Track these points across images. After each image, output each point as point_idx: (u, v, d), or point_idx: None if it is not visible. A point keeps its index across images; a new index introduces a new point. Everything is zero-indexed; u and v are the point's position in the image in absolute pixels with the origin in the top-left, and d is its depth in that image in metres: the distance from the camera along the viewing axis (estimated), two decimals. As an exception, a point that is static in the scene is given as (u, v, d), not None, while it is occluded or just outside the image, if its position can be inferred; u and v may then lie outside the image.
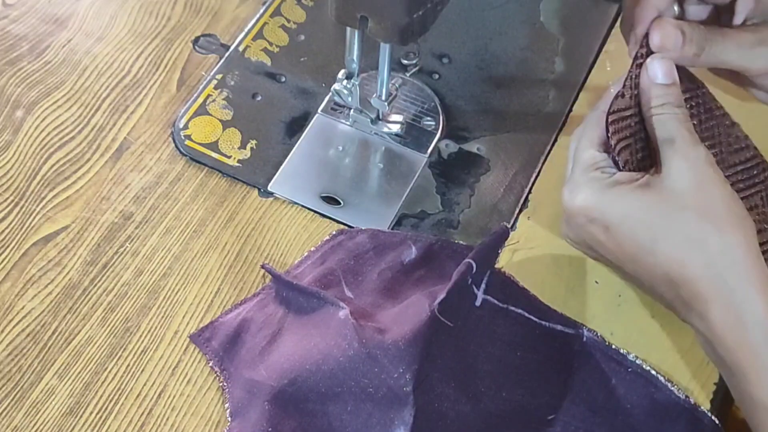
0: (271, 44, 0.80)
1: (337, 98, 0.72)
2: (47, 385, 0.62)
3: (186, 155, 0.73)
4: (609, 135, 0.57)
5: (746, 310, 0.51)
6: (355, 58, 0.67)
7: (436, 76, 0.78)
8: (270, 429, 0.58)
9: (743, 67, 0.59)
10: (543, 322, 0.63)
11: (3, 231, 0.69)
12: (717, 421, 0.60)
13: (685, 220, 0.53)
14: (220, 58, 0.79)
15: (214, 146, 0.73)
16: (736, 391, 0.54)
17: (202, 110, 0.75)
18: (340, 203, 0.71)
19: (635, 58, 0.59)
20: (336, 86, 0.71)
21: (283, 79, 0.78)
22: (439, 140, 0.74)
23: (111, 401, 0.62)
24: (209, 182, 0.72)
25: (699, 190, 0.53)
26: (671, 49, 0.57)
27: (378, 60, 0.68)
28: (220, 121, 0.75)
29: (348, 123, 0.75)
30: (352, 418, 0.58)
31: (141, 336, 0.64)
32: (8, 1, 0.82)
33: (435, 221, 0.70)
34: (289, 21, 0.81)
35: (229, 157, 0.73)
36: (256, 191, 0.71)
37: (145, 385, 0.62)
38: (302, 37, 0.80)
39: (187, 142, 0.73)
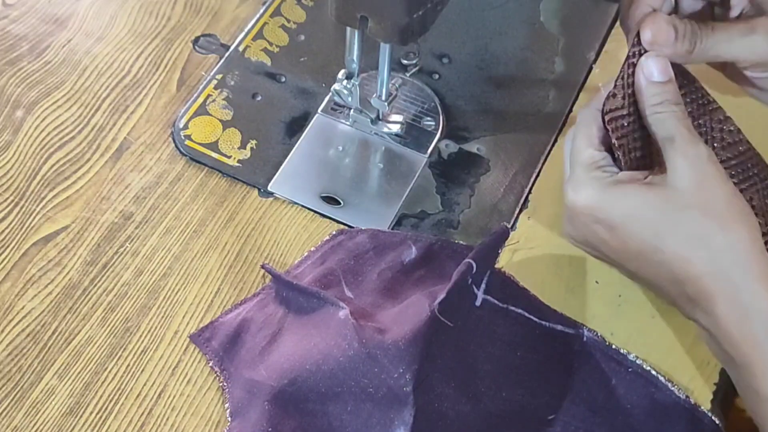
0: (271, 44, 0.80)
1: (337, 98, 0.72)
2: (47, 385, 0.62)
3: (186, 155, 0.73)
4: (610, 134, 0.57)
5: (751, 304, 0.51)
6: (355, 58, 0.67)
7: (436, 76, 0.78)
8: (270, 429, 0.58)
9: (735, 58, 0.59)
10: (543, 322, 0.63)
11: (3, 231, 0.69)
12: (717, 422, 0.60)
13: (689, 218, 0.53)
14: (220, 58, 0.79)
15: (214, 146, 0.73)
16: (741, 387, 0.54)
17: (202, 110, 0.75)
18: (340, 203, 0.71)
19: (627, 57, 0.59)
20: (336, 86, 0.71)
21: (283, 79, 0.78)
22: (439, 140, 0.74)
23: (111, 401, 0.62)
24: (209, 182, 0.72)
25: (701, 187, 0.53)
26: (663, 45, 0.57)
27: (378, 60, 0.68)
28: (220, 121, 0.75)
29: (348, 123, 0.75)
30: (352, 418, 0.58)
31: (141, 336, 0.64)
32: (8, 1, 0.82)
33: (435, 221, 0.70)
34: (289, 21, 0.81)
35: (229, 157, 0.73)
36: (256, 191, 0.71)
37: (145, 385, 0.62)
38: (302, 37, 0.80)
39: (187, 142, 0.73)
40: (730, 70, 0.62)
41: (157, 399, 0.62)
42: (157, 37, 0.80)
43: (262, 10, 0.82)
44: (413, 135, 0.74)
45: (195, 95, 0.76)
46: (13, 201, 0.70)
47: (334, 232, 0.68)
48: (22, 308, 0.65)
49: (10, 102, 0.75)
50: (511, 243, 0.67)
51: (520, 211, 0.70)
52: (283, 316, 0.63)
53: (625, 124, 0.58)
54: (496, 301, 0.63)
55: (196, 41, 0.80)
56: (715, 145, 0.61)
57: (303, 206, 0.70)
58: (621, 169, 0.57)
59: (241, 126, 0.74)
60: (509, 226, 0.65)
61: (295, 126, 0.75)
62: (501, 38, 0.81)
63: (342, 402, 0.58)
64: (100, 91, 0.76)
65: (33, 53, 0.78)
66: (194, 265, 0.67)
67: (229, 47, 0.79)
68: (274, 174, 0.72)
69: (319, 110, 0.76)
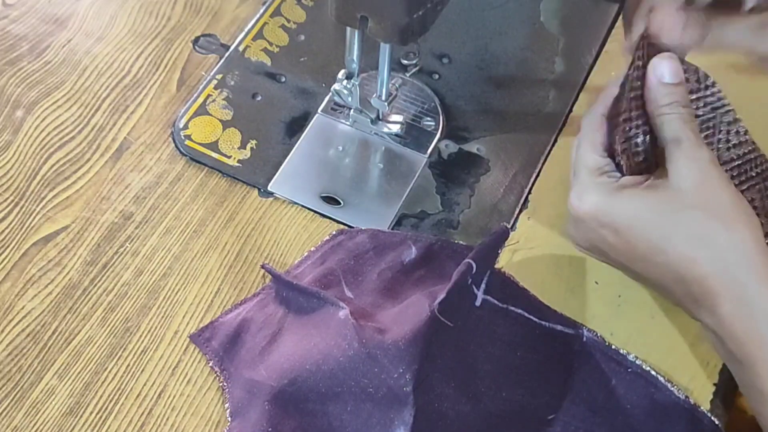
0: (271, 44, 0.80)
1: (337, 98, 0.72)
2: (47, 385, 0.62)
3: (186, 155, 0.73)
4: (615, 139, 0.57)
5: (756, 303, 0.52)
6: (355, 58, 0.67)
7: (436, 76, 0.78)
8: (270, 429, 0.58)
9: (750, 49, 0.59)
10: (543, 322, 0.63)
11: (3, 231, 0.69)
12: (717, 422, 0.60)
13: (693, 219, 0.53)
14: (220, 58, 0.79)
15: (214, 146, 0.73)
16: (745, 386, 0.54)
17: (202, 110, 0.75)
18: (340, 203, 0.71)
19: (633, 60, 0.59)
20: (336, 86, 0.71)
21: (283, 79, 0.78)
22: (439, 140, 0.74)
23: (111, 401, 0.62)
24: (209, 182, 0.72)
25: (705, 189, 0.54)
26: (672, 31, 0.57)
27: (378, 60, 0.68)
28: (220, 121, 0.75)
29: (348, 123, 0.75)
30: (352, 418, 0.58)
31: (141, 336, 0.64)
32: (8, 1, 0.82)
33: (435, 221, 0.70)
34: (289, 21, 0.81)
35: (229, 157, 0.73)
36: (256, 191, 0.71)
37: (145, 385, 0.62)
38: (302, 37, 0.80)
39: (187, 142, 0.73)
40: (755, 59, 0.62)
41: (157, 399, 0.62)
42: (157, 37, 0.80)
43: (262, 10, 0.82)
44: (413, 135, 0.74)
45: (195, 95, 0.76)
46: (13, 201, 0.70)
47: (334, 232, 0.68)
48: (22, 308, 0.65)
49: (10, 102, 0.75)
50: (511, 243, 0.67)
51: (520, 211, 0.70)
52: (283, 316, 0.63)
53: (629, 129, 0.58)
54: (496, 301, 0.63)
55: (196, 41, 0.80)
56: (720, 146, 0.61)
57: (303, 206, 0.70)
58: (624, 174, 0.58)
59: (241, 126, 0.74)
60: (509, 226, 0.65)
61: (295, 126, 0.75)
62: (501, 38, 0.81)
63: (342, 402, 0.58)
64: (100, 91, 0.76)
65: (33, 53, 0.78)
66: (194, 265, 0.67)
67: (229, 47, 0.79)
68: (274, 174, 0.72)
69: (319, 110, 0.76)
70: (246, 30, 0.80)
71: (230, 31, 0.81)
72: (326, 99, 0.76)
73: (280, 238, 0.69)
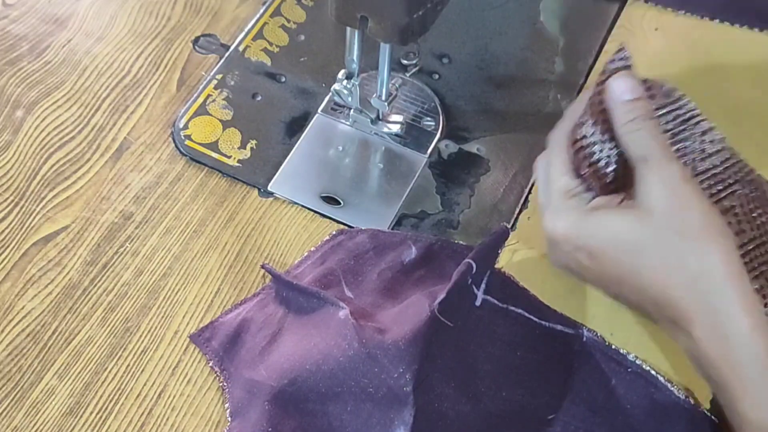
0: (271, 44, 0.80)
1: (337, 98, 0.72)
2: (47, 385, 0.62)
3: (186, 155, 0.73)
4: (581, 163, 0.57)
5: (730, 328, 0.51)
6: (355, 58, 0.67)
7: (436, 76, 0.78)
8: (270, 429, 0.58)
9: None
10: (543, 322, 0.63)
11: (3, 231, 0.69)
12: (717, 422, 0.60)
13: (665, 243, 0.53)
14: (220, 58, 0.79)
15: (214, 146, 0.73)
16: (725, 407, 0.54)
17: (202, 110, 0.75)
18: (340, 203, 0.71)
19: (596, 85, 0.59)
20: (336, 86, 0.71)
21: (283, 79, 0.78)
22: (439, 140, 0.74)
23: (111, 401, 0.62)
24: (209, 182, 0.72)
25: (676, 209, 0.53)
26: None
27: (378, 60, 0.68)
28: (220, 121, 0.75)
29: (348, 123, 0.75)
30: (352, 418, 0.58)
31: (141, 336, 0.64)
32: (8, 1, 0.82)
33: (435, 221, 0.70)
34: (289, 21, 0.81)
35: (229, 157, 0.73)
36: (256, 191, 0.71)
37: (145, 385, 0.62)
38: (302, 37, 0.80)
39: (187, 142, 0.73)
40: None
41: (157, 399, 0.62)
42: (157, 37, 0.80)
43: (262, 10, 0.82)
44: (413, 135, 0.74)
45: (195, 95, 0.76)
46: (13, 201, 0.70)
47: (334, 232, 0.68)
48: (22, 308, 0.65)
49: (10, 102, 0.75)
50: (511, 243, 0.67)
51: (520, 211, 0.70)
52: (283, 316, 0.63)
53: (596, 152, 0.57)
54: (496, 301, 0.63)
55: (196, 41, 0.80)
56: (695, 157, 0.61)
57: (303, 206, 0.70)
58: (596, 193, 0.58)
59: (241, 126, 0.74)
60: (509, 226, 0.65)
61: (295, 126, 0.75)
62: (501, 38, 0.81)
63: (342, 402, 0.58)
64: (100, 91, 0.76)
65: (33, 53, 0.78)
66: (194, 265, 0.67)
67: (229, 47, 0.79)
68: (274, 174, 0.72)
69: (319, 110, 0.76)
70: (246, 30, 0.80)
71: (230, 31, 0.81)
72: (326, 99, 0.76)
73: (280, 238, 0.69)
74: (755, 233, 0.63)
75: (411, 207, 0.71)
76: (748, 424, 0.52)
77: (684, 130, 0.61)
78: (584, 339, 0.62)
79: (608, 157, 0.58)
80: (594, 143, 0.58)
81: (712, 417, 0.60)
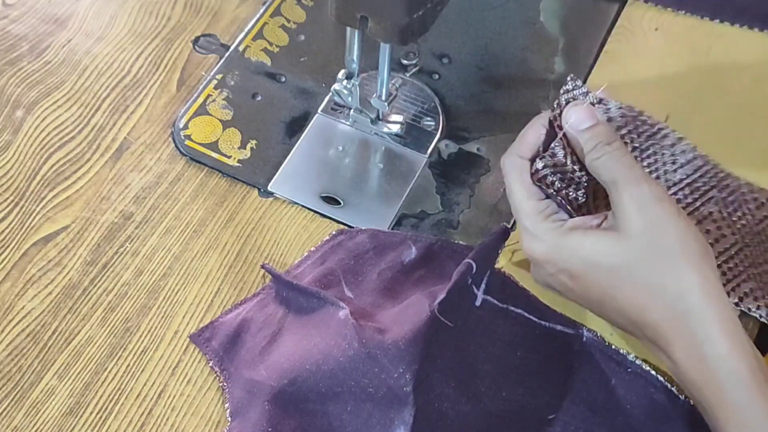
0: (271, 44, 0.80)
1: (337, 98, 0.72)
2: (47, 385, 0.62)
3: (186, 155, 0.73)
4: (547, 191, 0.57)
5: (708, 350, 0.51)
6: (355, 58, 0.67)
7: (436, 76, 0.78)
8: (270, 429, 0.58)
9: None
10: (543, 322, 0.63)
11: (3, 231, 0.69)
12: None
13: (642, 266, 0.53)
14: (220, 58, 0.79)
15: (214, 146, 0.73)
16: (711, 428, 0.54)
17: (202, 110, 0.75)
18: (340, 203, 0.71)
19: (551, 121, 0.59)
20: (336, 86, 0.71)
21: (283, 79, 0.78)
22: (439, 140, 0.74)
23: (111, 401, 0.62)
24: (209, 182, 0.72)
25: (651, 232, 0.53)
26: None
27: (378, 60, 0.68)
28: (220, 121, 0.75)
29: (348, 123, 0.75)
30: (352, 418, 0.58)
31: (141, 336, 0.64)
32: (8, 1, 0.82)
33: (435, 221, 0.70)
34: (289, 21, 0.81)
35: (229, 157, 0.73)
36: (256, 191, 0.71)
37: (145, 385, 0.62)
38: (302, 37, 0.80)
39: (187, 142, 0.73)
40: None
41: (157, 399, 0.62)
42: (157, 37, 0.80)
43: (262, 10, 0.82)
44: (413, 135, 0.74)
45: (195, 95, 0.76)
46: (13, 201, 0.70)
47: (334, 232, 0.68)
48: (22, 308, 0.65)
49: (10, 102, 0.75)
50: (511, 243, 0.67)
51: (520, 211, 0.70)
52: (283, 316, 0.63)
53: (557, 180, 0.57)
54: (496, 301, 0.63)
55: (196, 41, 0.80)
56: (667, 169, 0.61)
57: (303, 206, 0.70)
58: (570, 214, 0.58)
59: (241, 126, 0.74)
60: (509, 226, 0.65)
61: (295, 126, 0.75)
62: (501, 38, 0.81)
63: (342, 402, 0.58)
64: (100, 91, 0.76)
65: (33, 53, 0.78)
66: (194, 265, 0.67)
67: (229, 47, 0.79)
68: (274, 174, 0.72)
69: (319, 110, 0.76)
70: (246, 30, 0.80)
71: (230, 31, 0.81)
72: (326, 99, 0.76)
73: (280, 238, 0.69)
74: (737, 237, 0.63)
75: (411, 207, 0.71)
76: None
77: (652, 144, 0.62)
78: (584, 339, 0.62)
79: (577, 184, 0.58)
80: (554, 172, 0.57)
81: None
